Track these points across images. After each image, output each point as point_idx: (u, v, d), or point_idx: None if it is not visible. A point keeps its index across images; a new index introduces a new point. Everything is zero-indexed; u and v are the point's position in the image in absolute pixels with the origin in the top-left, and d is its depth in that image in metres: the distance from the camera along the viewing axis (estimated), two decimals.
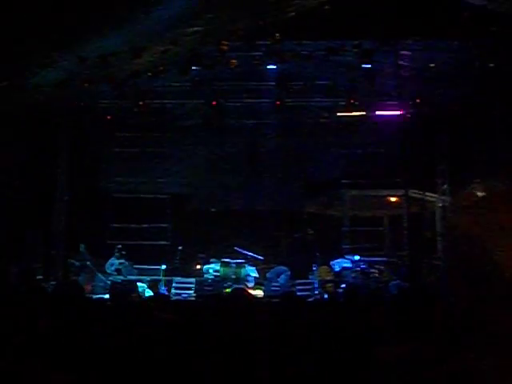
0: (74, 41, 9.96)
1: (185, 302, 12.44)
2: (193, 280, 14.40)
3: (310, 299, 13.15)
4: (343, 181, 16.24)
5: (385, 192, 16.43)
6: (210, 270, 14.80)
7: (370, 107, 15.42)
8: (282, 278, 14.58)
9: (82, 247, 14.81)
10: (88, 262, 14.58)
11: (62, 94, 12.76)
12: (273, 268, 15.08)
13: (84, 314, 4.88)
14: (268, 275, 14.89)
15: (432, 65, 12.54)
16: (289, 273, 14.64)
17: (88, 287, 13.64)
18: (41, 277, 14.02)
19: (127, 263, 14.92)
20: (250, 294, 5.35)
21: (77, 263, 14.58)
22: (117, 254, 14.87)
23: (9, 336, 4.19)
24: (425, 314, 4.33)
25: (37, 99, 12.69)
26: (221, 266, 14.65)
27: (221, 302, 4.60)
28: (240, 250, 15.09)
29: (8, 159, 13.71)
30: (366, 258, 14.95)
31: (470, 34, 10.89)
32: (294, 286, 14.24)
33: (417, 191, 15.52)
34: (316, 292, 13.93)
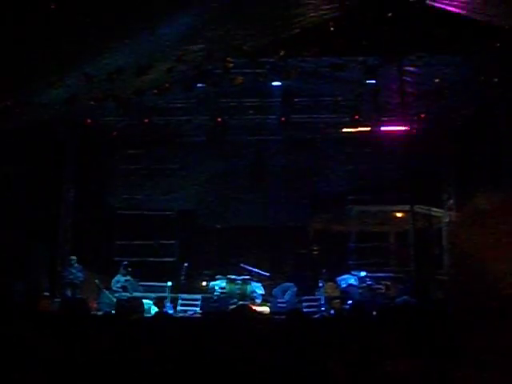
0: (80, 59, 10.03)
1: (190, 319, 12.40)
2: (199, 297, 14.36)
3: (316, 316, 13.09)
4: (349, 197, 16.22)
5: (391, 207, 16.40)
6: (216, 287, 14.76)
7: (375, 123, 15.44)
8: (288, 295, 14.52)
9: (73, 260, 14.75)
10: (80, 274, 14.53)
11: (69, 112, 12.84)
12: (279, 284, 15.03)
13: (89, 330, 4.87)
14: (274, 291, 14.84)
15: (436, 80, 12.56)
16: (295, 289, 14.58)
17: (93, 304, 13.64)
18: (47, 293, 14.03)
19: (133, 280, 14.90)
20: (255, 311, 5.32)
21: (73, 274, 14.51)
22: (123, 271, 14.85)
23: (12, 353, 4.19)
24: (431, 329, 4.31)
25: (43, 117, 12.76)
26: (227, 282, 14.63)
27: (224, 318, 4.58)
28: (246, 266, 15.06)
29: (15, 177, 13.77)
30: (372, 274, 14.88)
31: (473, 49, 10.92)
32: (300, 302, 14.19)
33: (423, 206, 15.48)
34: (322, 308, 13.87)
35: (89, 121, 15.00)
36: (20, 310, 6.13)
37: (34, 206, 14.38)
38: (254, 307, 12.38)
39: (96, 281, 14.62)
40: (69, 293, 14.30)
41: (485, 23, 9.99)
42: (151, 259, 15.84)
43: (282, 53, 11.70)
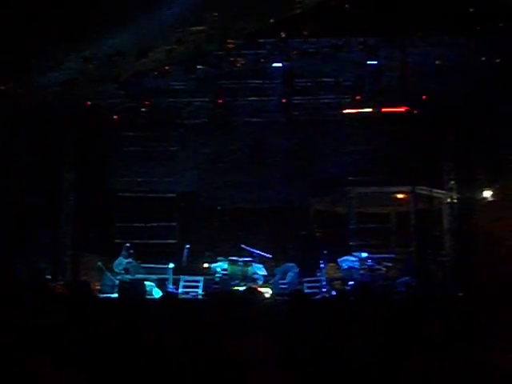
0: (79, 41, 9.97)
1: (193, 301, 12.47)
2: (201, 278, 14.43)
3: (317, 297, 13.18)
4: (350, 178, 16.20)
5: (392, 189, 16.39)
6: (218, 269, 14.83)
7: (376, 104, 15.38)
8: (289, 276, 14.59)
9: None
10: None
11: (68, 95, 12.78)
12: (280, 265, 15.07)
13: (92, 312, 4.90)
14: (276, 271, 14.89)
15: (438, 61, 12.49)
16: (297, 270, 14.64)
17: (96, 286, 13.71)
18: (49, 276, 14.10)
19: (135, 262, 14.96)
20: (261, 293, 5.36)
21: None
22: (124, 253, 14.91)
23: (16, 334, 4.21)
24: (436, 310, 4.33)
25: (43, 100, 12.72)
26: (228, 264, 14.69)
27: (233, 300, 4.60)
28: (247, 247, 15.10)
29: (15, 160, 13.76)
30: (373, 255, 14.93)
31: (476, 29, 10.85)
32: (301, 283, 14.25)
33: (424, 188, 15.48)
34: (324, 289, 13.94)
35: (88, 103, 14.96)
36: (22, 291, 6.15)
37: (35, 189, 14.39)
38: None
39: (98, 263, 14.69)
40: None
41: (489, 3, 9.92)
42: (153, 241, 15.89)
43: (282, 34, 11.64)
